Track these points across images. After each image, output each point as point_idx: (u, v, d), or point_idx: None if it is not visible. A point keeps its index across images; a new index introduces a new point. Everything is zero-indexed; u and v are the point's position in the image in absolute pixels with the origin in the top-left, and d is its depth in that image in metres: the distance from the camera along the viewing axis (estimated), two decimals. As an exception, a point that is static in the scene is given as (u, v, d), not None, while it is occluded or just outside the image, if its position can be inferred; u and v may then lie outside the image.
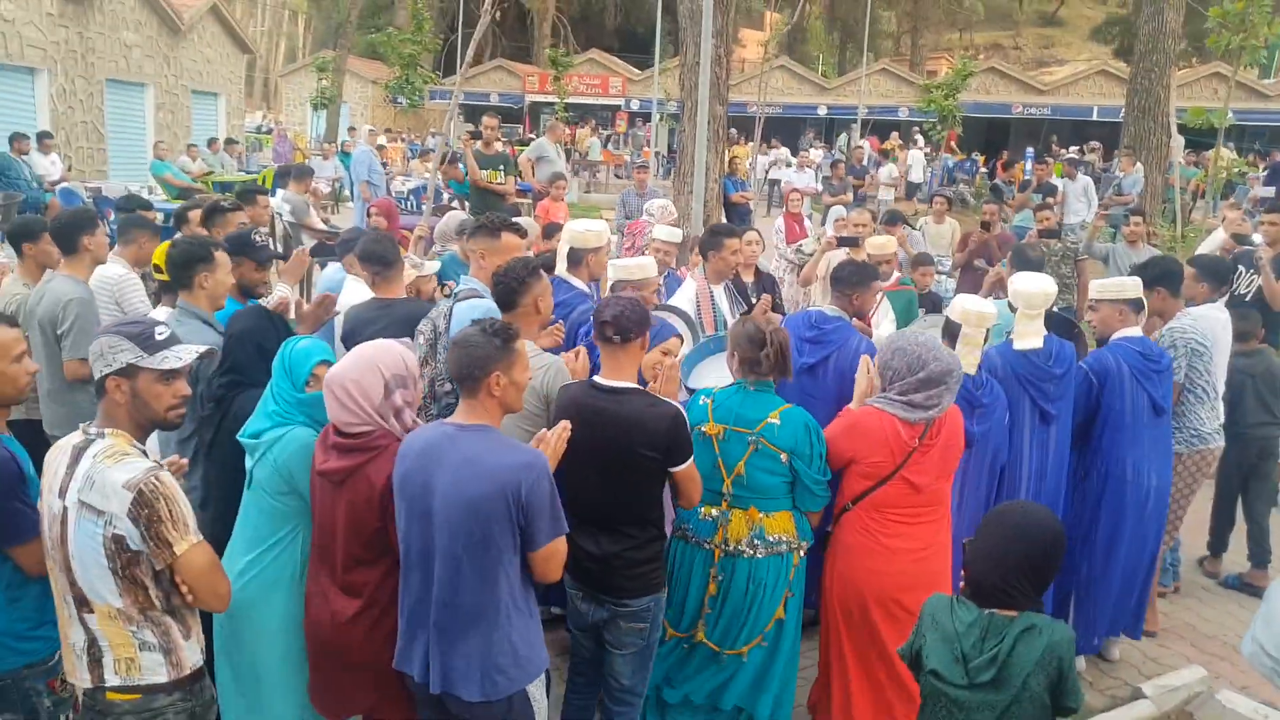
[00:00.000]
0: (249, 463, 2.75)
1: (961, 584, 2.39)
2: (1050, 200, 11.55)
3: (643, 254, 5.29)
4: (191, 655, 2.30)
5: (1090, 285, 4.15)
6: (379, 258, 4.01)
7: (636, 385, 2.95)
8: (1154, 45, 13.76)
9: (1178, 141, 11.39)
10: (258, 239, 4.05)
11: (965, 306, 3.77)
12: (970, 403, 3.58)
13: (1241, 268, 6.50)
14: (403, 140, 27.14)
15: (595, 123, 30.56)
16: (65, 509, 2.19)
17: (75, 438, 2.28)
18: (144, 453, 2.31)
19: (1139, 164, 12.77)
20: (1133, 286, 4.18)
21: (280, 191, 9.09)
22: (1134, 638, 4.38)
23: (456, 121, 26.91)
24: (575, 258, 4.25)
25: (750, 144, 21.23)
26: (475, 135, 9.46)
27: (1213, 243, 7.24)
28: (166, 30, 19.25)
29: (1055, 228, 8.15)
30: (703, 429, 3.17)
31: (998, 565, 2.27)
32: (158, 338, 2.33)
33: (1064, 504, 4.05)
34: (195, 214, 5.32)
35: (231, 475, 2.91)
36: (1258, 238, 6.81)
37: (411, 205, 14.12)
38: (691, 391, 3.66)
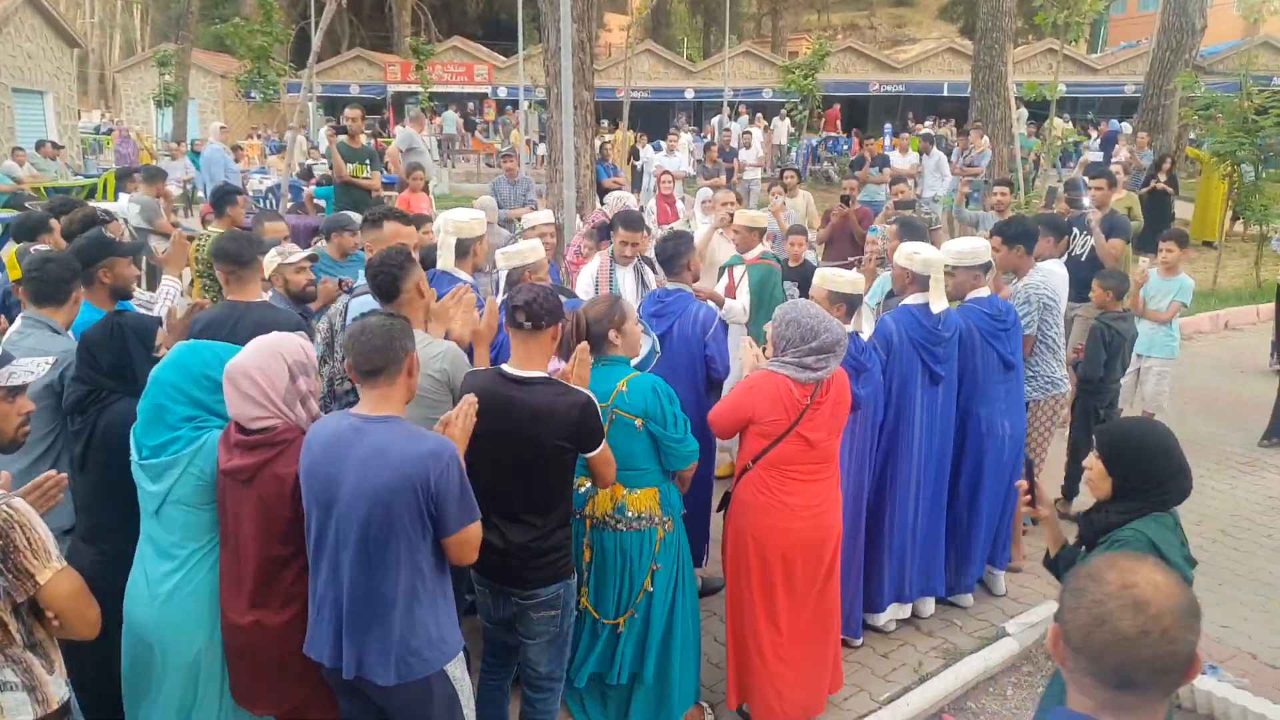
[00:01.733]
0: (153, 485, 2.57)
1: (1103, 502, 2.56)
2: (885, 172, 12.11)
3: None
4: (58, 690, 2.19)
5: (947, 249, 4.42)
6: (231, 256, 3.82)
7: (546, 374, 2.94)
8: (993, 24, 14.54)
9: (1020, 114, 12.10)
10: (110, 234, 3.90)
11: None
12: (855, 368, 3.77)
13: (1075, 229, 6.98)
14: (259, 137, 25.88)
15: (456, 106, 30.03)
16: None
17: None
18: None
19: (985, 136, 13.50)
20: (985, 252, 4.44)
21: (123, 196, 8.53)
22: (998, 567, 4.73)
23: (315, 116, 25.91)
24: (463, 249, 4.17)
25: (630, 131, 21.35)
26: (340, 129, 9.07)
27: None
28: (-21, 25, 17.77)
29: (910, 199, 8.55)
30: None
31: (1188, 474, 2.51)
32: None
33: (949, 459, 4.36)
34: (57, 222, 4.93)
35: (106, 489, 2.78)
36: (1086, 200, 7.31)
37: (271, 203, 13.55)
38: None
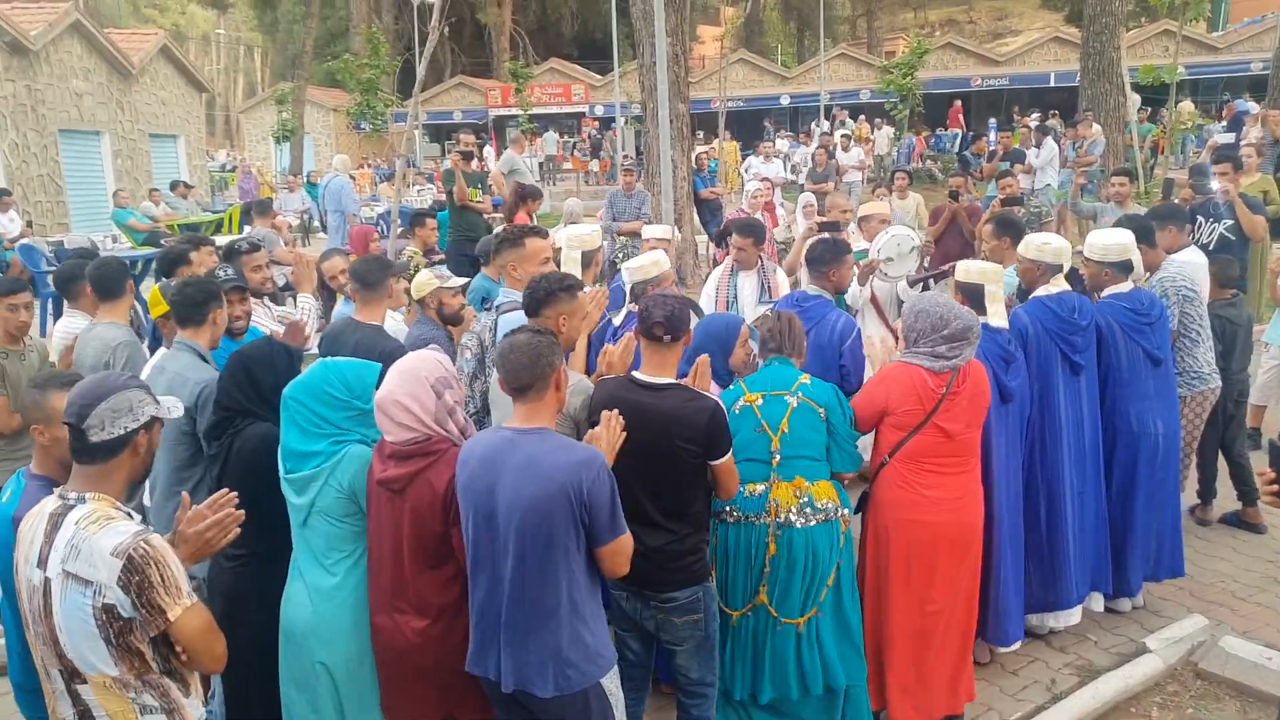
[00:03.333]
0: (298, 498, 2.71)
1: None
2: (1015, 168, 11.66)
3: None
4: (195, 712, 2.25)
5: (1086, 242, 4.33)
6: (360, 276, 4.11)
7: (675, 380, 3.02)
8: (1102, 8, 13.88)
9: (1133, 100, 11.51)
10: (221, 273, 4.08)
11: (972, 267, 3.92)
12: (1004, 359, 3.71)
13: (1200, 218, 6.59)
14: (369, 166, 27.04)
15: (559, 130, 30.65)
16: (47, 580, 2.10)
17: (50, 504, 2.17)
18: (129, 514, 2.21)
19: (1096, 125, 12.87)
20: (1118, 249, 4.22)
21: (247, 229, 9.05)
22: (1179, 575, 4.45)
23: (421, 143, 26.91)
24: (587, 260, 4.37)
25: (735, 142, 21.50)
26: (466, 156, 9.47)
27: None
28: (117, 75, 19.11)
29: (1018, 194, 8.24)
30: (740, 403, 3.30)
31: None
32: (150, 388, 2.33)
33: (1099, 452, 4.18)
34: (196, 254, 5.24)
35: (245, 509, 2.86)
36: (1214, 185, 6.88)
37: (382, 230, 14.11)
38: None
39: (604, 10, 30.88)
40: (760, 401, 3.29)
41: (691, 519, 2.99)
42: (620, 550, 2.56)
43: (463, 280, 4.66)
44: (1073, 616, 4.18)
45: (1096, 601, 4.31)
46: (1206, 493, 5.31)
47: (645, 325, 3.00)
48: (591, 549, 2.54)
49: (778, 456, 3.27)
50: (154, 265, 6.10)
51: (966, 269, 3.99)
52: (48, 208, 16.92)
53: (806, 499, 3.26)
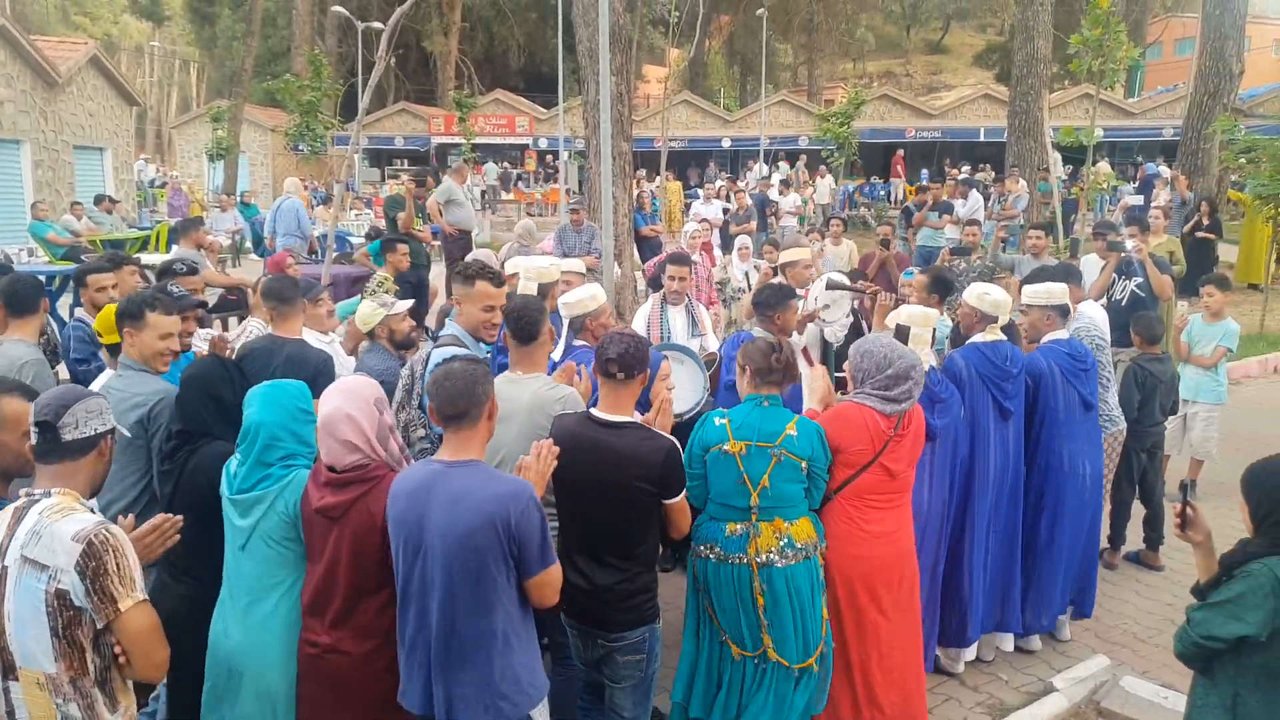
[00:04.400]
0: (241, 519, 2.71)
1: (1248, 538, 2.48)
2: (943, 218, 12.10)
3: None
4: None
5: (1023, 291, 4.57)
6: (275, 294, 4.14)
7: (633, 419, 3.03)
8: (1028, 70, 14.62)
9: (1055, 159, 12.12)
10: (174, 289, 4.14)
11: (908, 312, 4.15)
12: (931, 398, 3.83)
13: (1115, 275, 6.94)
14: (306, 188, 26.61)
15: (504, 161, 30.69)
16: (4, 569, 2.13)
17: (18, 500, 2.22)
18: (91, 509, 2.27)
19: (1021, 180, 13.48)
20: (1060, 293, 4.49)
21: (175, 248, 8.82)
22: (1085, 616, 4.67)
23: (360, 167, 26.63)
24: (543, 292, 4.42)
25: (678, 182, 21.86)
26: (419, 183, 9.52)
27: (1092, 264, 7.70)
28: (42, 84, 18.46)
29: (969, 246, 8.55)
30: (724, 448, 3.27)
31: None
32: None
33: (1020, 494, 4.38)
34: (120, 273, 5.09)
35: (194, 529, 2.85)
36: (1129, 243, 7.27)
37: (318, 253, 13.89)
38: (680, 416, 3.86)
39: (551, 45, 31.20)
40: (743, 452, 3.26)
41: (642, 558, 3.01)
42: (548, 582, 2.57)
43: (408, 303, 4.67)
44: (970, 653, 4.35)
45: (1006, 641, 4.45)
46: (1116, 538, 5.55)
47: (601, 363, 3.02)
48: (521, 580, 2.55)
49: (755, 513, 3.28)
50: (71, 282, 5.95)
51: (908, 314, 4.17)
52: (-40, 217, 16.27)
53: (786, 540, 3.28)
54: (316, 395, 2.84)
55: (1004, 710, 4.04)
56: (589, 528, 2.94)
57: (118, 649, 2.18)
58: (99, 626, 2.13)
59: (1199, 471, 6.35)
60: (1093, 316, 5.18)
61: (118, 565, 2.12)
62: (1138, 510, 5.53)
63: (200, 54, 53.06)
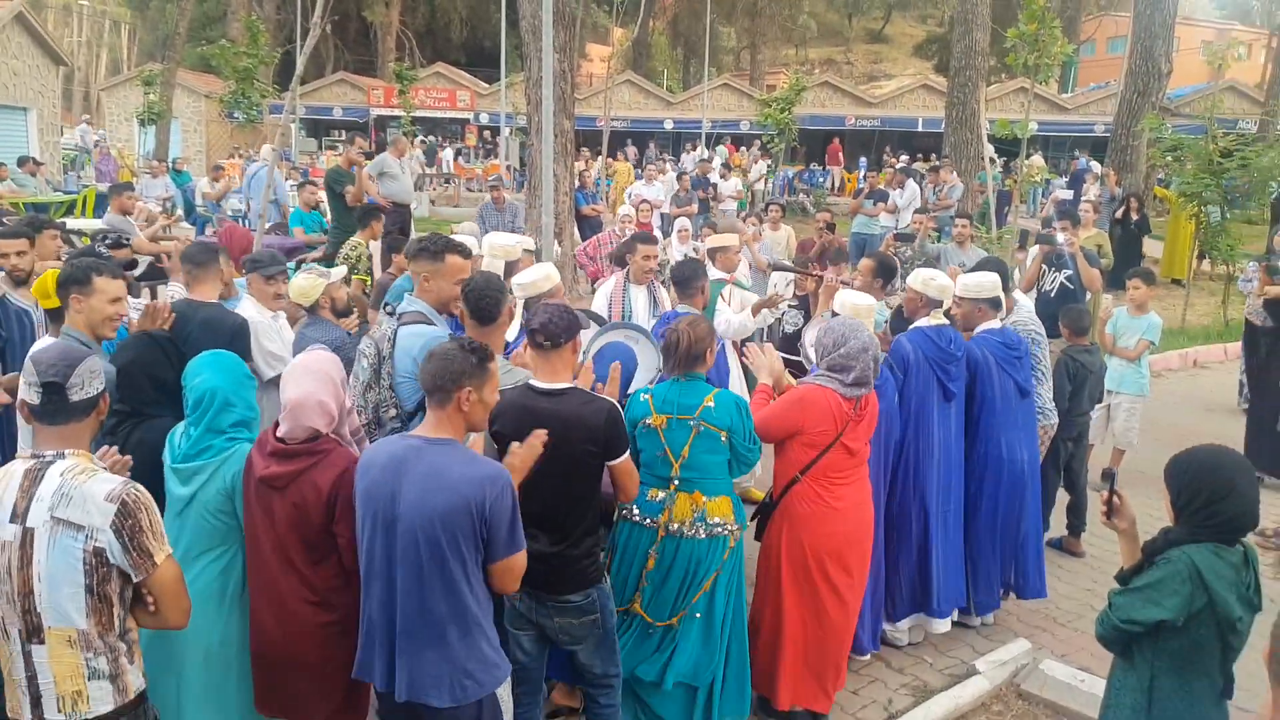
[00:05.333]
0: (181, 488, 2.76)
1: (1169, 526, 2.52)
2: (879, 206, 12.27)
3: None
4: (135, 680, 2.31)
5: (957, 283, 4.67)
6: (191, 258, 4.17)
7: (571, 385, 3.07)
8: (966, 62, 14.88)
9: (989, 150, 12.38)
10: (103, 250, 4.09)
11: (846, 300, 4.34)
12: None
13: (1045, 267, 7.12)
14: (240, 156, 25.74)
15: (442, 136, 30.13)
16: (27, 531, 2.15)
17: (24, 462, 2.23)
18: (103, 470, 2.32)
19: (955, 172, 13.73)
20: (991, 286, 4.61)
21: (107, 214, 8.47)
22: (1041, 596, 4.79)
23: (297, 137, 25.87)
24: (509, 271, 4.42)
25: (628, 163, 21.70)
26: (368, 155, 9.35)
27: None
28: (-38, 41, 17.62)
29: (913, 233, 8.70)
30: (647, 421, 3.45)
31: (1241, 499, 2.43)
32: None
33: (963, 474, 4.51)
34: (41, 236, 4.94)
35: None
36: (1060, 237, 7.45)
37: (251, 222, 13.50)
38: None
39: (494, 19, 30.63)
40: (665, 425, 3.42)
41: (586, 523, 3.07)
42: (510, 569, 2.59)
43: (343, 270, 4.72)
44: (943, 625, 4.50)
45: (936, 625, 4.55)
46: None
47: (528, 334, 3.09)
48: (485, 564, 2.56)
49: (676, 481, 3.42)
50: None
51: (842, 301, 4.31)
52: None
53: (701, 514, 3.41)
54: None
55: (928, 692, 4.14)
56: (537, 493, 2.95)
57: (149, 599, 2.26)
58: (136, 580, 2.21)
59: (1120, 461, 6.58)
60: (1029, 311, 5.33)
61: (150, 522, 2.21)
62: (1061, 498, 5.71)
63: (132, 15, 50.92)
